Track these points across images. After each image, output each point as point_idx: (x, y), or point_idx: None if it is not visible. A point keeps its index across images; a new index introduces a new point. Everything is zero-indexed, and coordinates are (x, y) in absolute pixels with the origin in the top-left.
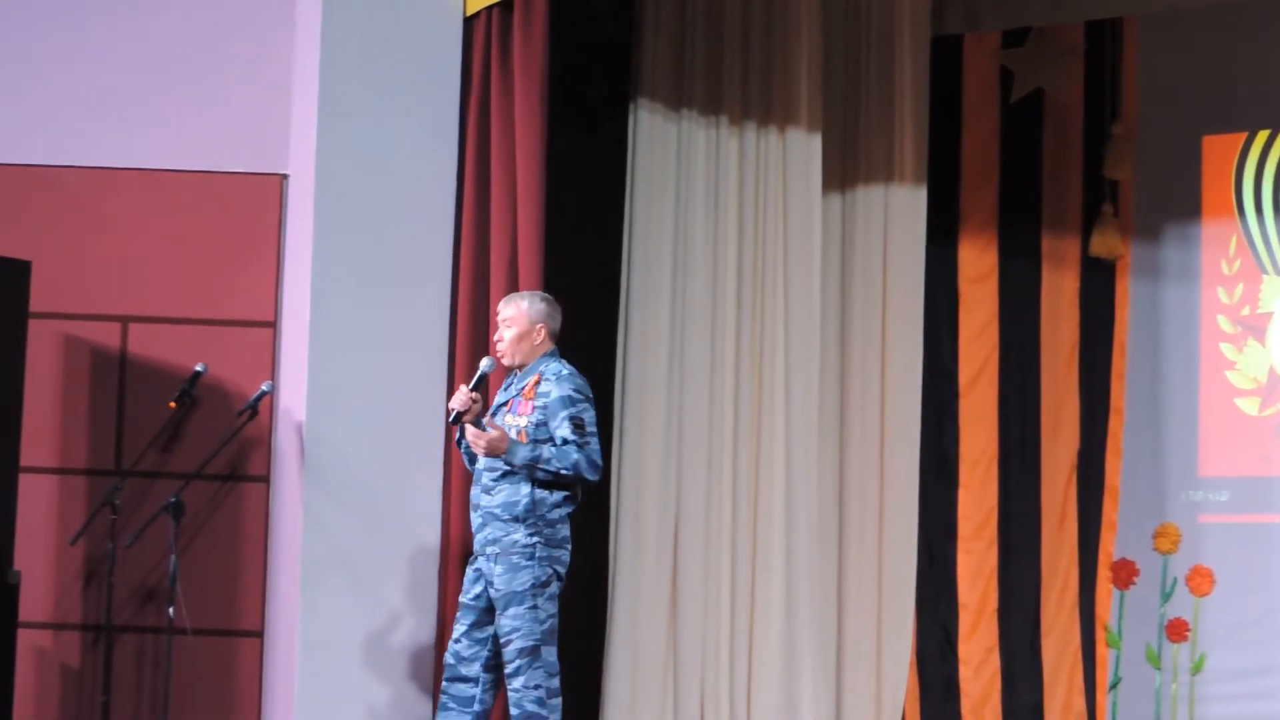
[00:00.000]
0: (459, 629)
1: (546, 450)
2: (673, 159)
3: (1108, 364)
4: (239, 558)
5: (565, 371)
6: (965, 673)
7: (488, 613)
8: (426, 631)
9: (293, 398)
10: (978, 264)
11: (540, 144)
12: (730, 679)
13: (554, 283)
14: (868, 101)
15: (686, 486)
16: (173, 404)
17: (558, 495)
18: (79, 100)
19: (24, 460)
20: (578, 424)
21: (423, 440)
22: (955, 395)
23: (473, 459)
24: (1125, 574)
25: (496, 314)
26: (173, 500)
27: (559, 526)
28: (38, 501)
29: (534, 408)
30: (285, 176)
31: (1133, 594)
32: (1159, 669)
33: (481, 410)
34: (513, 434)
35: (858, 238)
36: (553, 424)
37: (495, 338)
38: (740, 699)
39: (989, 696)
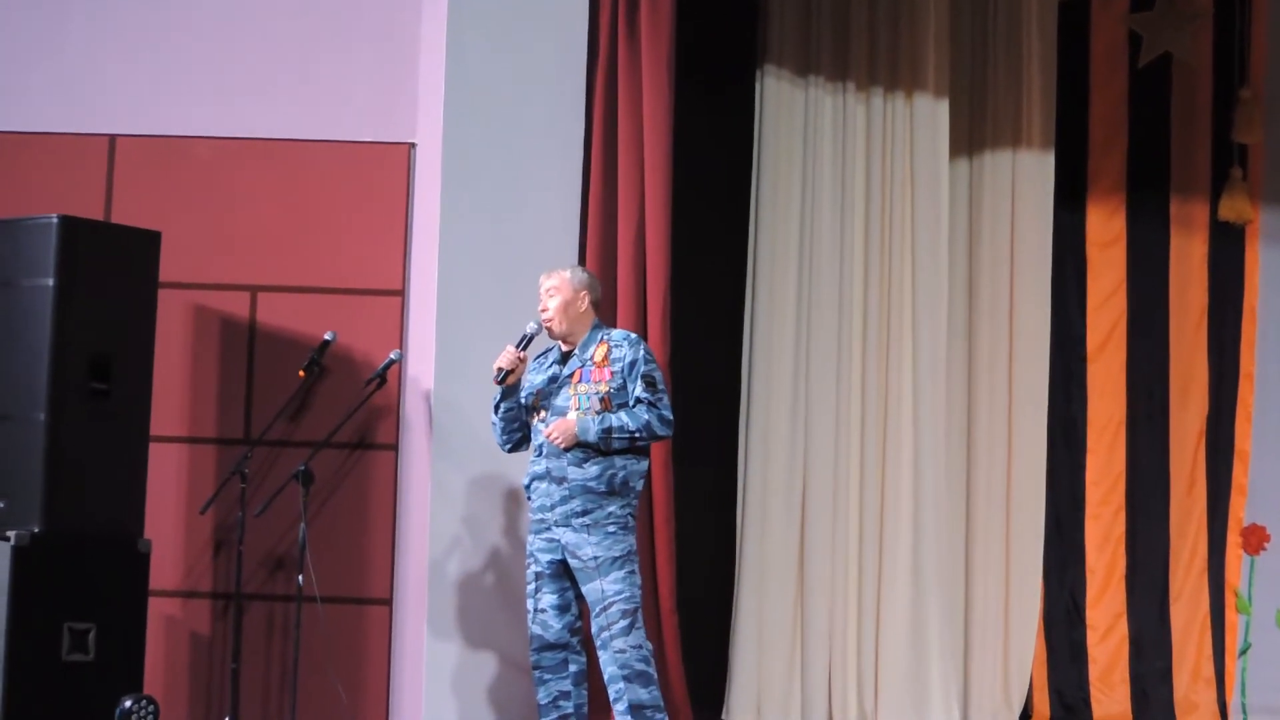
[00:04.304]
0: (544, 599)
1: (614, 418)
2: (799, 126)
3: (1237, 329)
4: (367, 526)
5: (634, 336)
6: (1093, 638)
7: (565, 578)
8: None
9: (421, 366)
10: (1106, 229)
11: (667, 111)
12: (858, 645)
13: (680, 250)
14: (995, 66)
15: (813, 456)
16: (301, 373)
17: (644, 465)
18: (207, 71)
19: (154, 429)
20: (649, 382)
21: None
22: (1083, 361)
23: (508, 425)
24: (1255, 539)
25: (540, 285)
26: (302, 469)
27: (637, 496)
28: (168, 471)
29: (611, 373)
30: (413, 145)
31: (1263, 559)
32: None
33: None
34: (594, 401)
35: (985, 204)
36: (631, 385)
37: (540, 308)
38: (868, 665)
39: (1117, 662)
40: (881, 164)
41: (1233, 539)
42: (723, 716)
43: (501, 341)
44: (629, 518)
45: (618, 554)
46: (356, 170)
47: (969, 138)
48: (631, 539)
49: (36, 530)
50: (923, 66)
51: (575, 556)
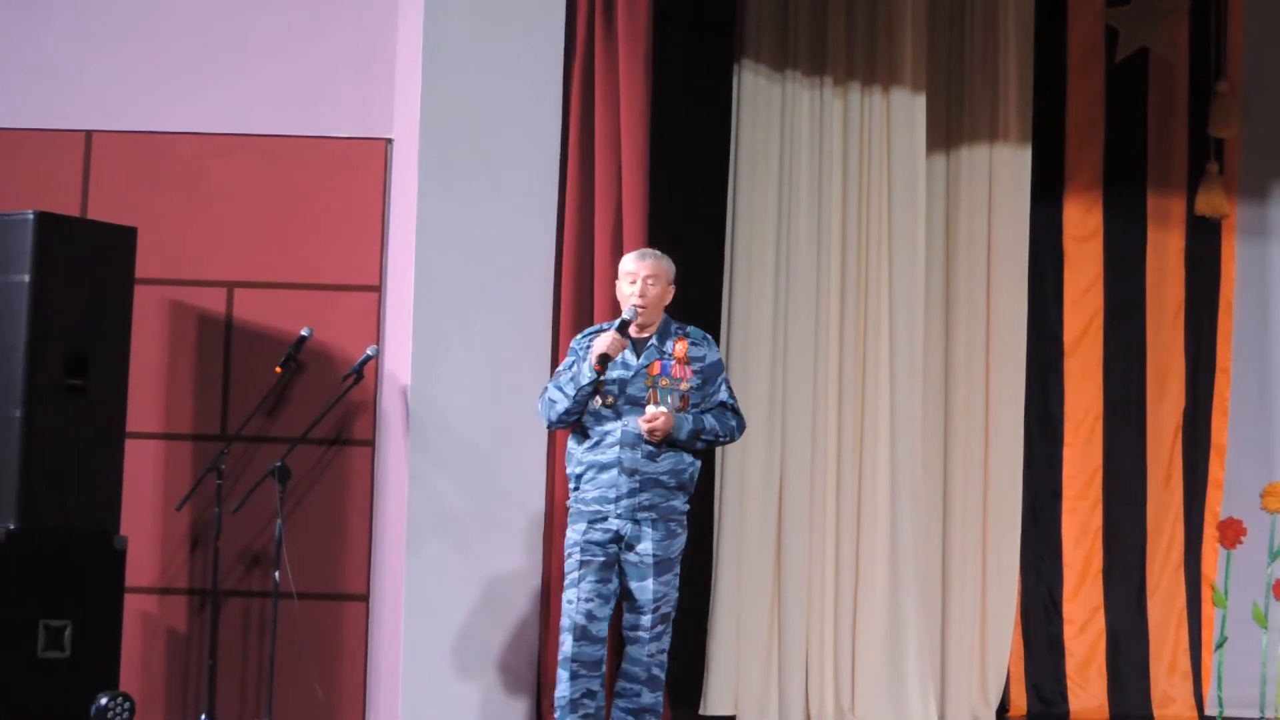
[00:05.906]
0: (593, 588)
1: (706, 421)
2: (777, 120)
3: (1214, 323)
4: (344, 522)
5: (709, 336)
6: (1070, 632)
7: (611, 569)
8: (531, 595)
9: (397, 362)
10: (1082, 223)
11: (644, 106)
12: (835, 640)
13: (657, 245)
14: (972, 61)
15: (790, 452)
16: (278, 369)
17: (701, 463)
18: (184, 67)
19: (130, 426)
20: (730, 387)
21: (527, 403)
22: (1060, 355)
23: (579, 407)
24: (1232, 533)
25: (630, 268)
26: (278, 465)
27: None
28: (144, 467)
29: (692, 371)
30: (390, 141)
31: (1239, 553)
32: (1265, 628)
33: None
34: (674, 399)
35: (962, 198)
36: (710, 387)
37: (638, 291)
38: (845, 661)
39: (1094, 656)
40: (859, 159)
41: (1209, 533)
42: (700, 715)
43: (478, 336)
44: (686, 515)
45: (673, 554)
46: (333, 166)
47: (946, 132)
48: (685, 538)
49: (12, 527)
50: (900, 61)
51: (633, 551)
